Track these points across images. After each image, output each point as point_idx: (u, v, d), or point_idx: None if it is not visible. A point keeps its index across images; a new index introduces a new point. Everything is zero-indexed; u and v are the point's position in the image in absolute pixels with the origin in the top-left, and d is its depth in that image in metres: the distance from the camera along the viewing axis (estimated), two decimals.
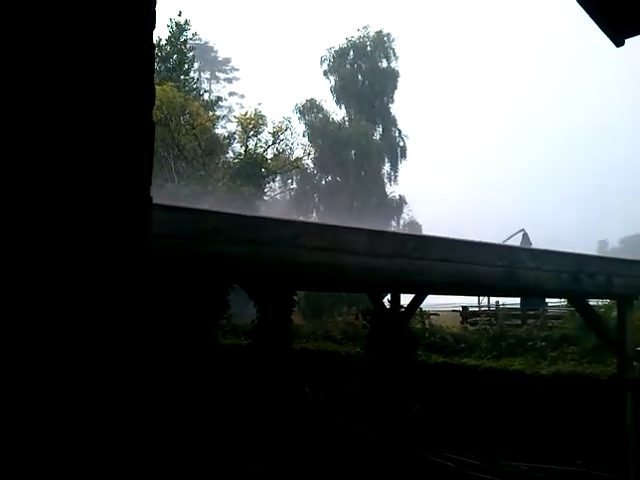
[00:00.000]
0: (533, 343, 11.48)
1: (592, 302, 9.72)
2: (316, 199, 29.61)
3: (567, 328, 11.87)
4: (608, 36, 3.00)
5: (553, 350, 10.97)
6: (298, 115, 30.23)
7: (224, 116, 31.27)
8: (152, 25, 0.95)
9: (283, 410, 10.25)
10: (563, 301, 14.59)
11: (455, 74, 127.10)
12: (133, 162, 0.92)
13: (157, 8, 0.94)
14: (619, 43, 3.06)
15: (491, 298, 19.90)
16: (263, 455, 9.28)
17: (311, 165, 29.15)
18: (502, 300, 19.32)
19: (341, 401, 11.61)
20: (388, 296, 11.11)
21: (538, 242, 19.32)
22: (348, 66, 32.50)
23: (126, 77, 0.91)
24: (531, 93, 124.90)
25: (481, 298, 20.34)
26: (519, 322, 14.97)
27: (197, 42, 29.72)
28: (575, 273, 7.10)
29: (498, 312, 17.19)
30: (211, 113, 23.42)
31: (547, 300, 17.56)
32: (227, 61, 48.13)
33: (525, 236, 20.28)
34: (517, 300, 18.73)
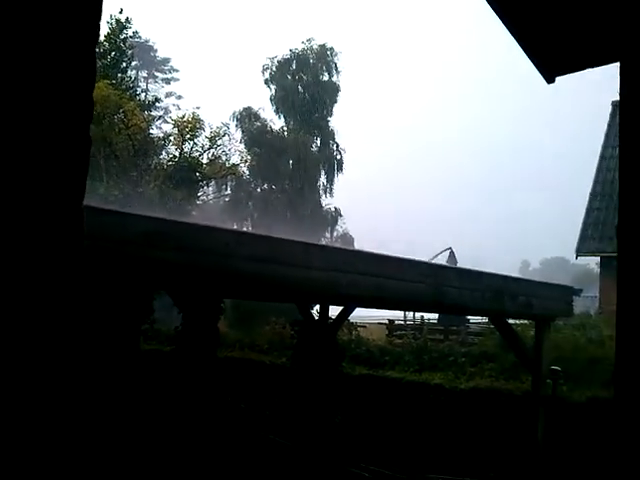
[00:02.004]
0: (454, 358, 11.83)
1: (510, 321, 10.12)
2: (250, 207, 29.46)
3: (487, 345, 12.31)
4: (540, 72, 3.17)
5: (472, 366, 11.35)
6: (235, 122, 30.06)
7: (160, 117, 30.60)
8: (95, 39, 0.93)
9: (204, 419, 10.05)
10: (484, 318, 15.17)
11: (392, 91, 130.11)
12: (68, 174, 0.91)
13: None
14: (550, 80, 3.24)
15: (416, 313, 20.39)
16: (183, 465, 9.07)
17: (247, 172, 28.99)
18: (427, 315, 19.84)
19: (264, 411, 11.53)
20: (317, 307, 11.17)
21: (464, 259, 20.02)
22: (289, 77, 32.64)
23: (65, 91, 0.89)
24: (465, 112, 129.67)
25: (407, 312, 20.79)
26: (442, 337, 15.43)
27: (137, 40, 29.00)
28: (498, 294, 7.39)
29: (422, 326, 17.65)
30: (147, 113, 22.84)
31: (469, 318, 18.21)
32: (166, 61, 47.16)
33: (452, 254, 20.93)
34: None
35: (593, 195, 18.20)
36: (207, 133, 21.94)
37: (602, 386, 9.13)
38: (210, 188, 26.45)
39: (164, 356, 11.84)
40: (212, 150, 22.25)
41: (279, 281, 5.02)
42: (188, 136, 21.00)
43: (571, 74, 3.18)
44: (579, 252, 17.37)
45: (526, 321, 11.70)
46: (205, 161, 22.16)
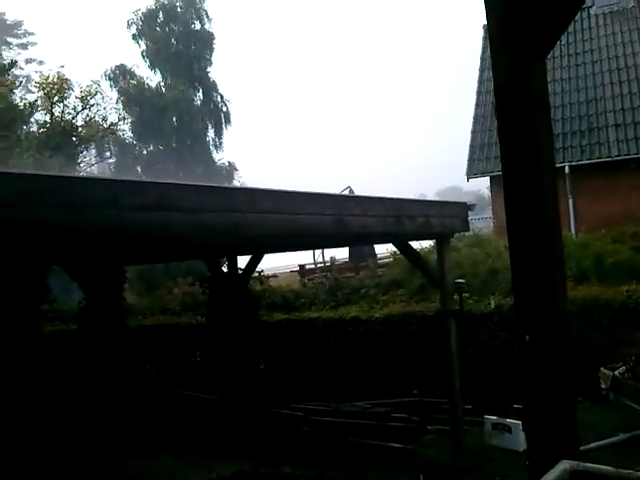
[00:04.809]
0: (366, 290, 12.11)
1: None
2: (139, 170, 28.06)
3: (394, 273, 12.69)
4: None
5: (384, 294, 11.68)
6: (109, 82, 28.16)
7: (21, 84, 27.94)
8: None
9: (124, 390, 9.69)
10: (390, 251, 15.59)
11: (271, 32, 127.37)
12: None
13: None
14: None
15: (326, 255, 20.66)
16: (111, 437, 8.76)
17: (130, 135, 27.47)
18: (338, 255, 20.19)
19: (186, 372, 11.30)
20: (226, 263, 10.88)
21: None
22: (159, 29, 30.90)
23: None
24: (355, 45, 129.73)
25: (317, 255, 21.02)
26: (353, 274, 15.76)
27: None
28: (398, 217, 7.48)
29: (332, 266, 17.93)
30: (7, 78, 20.68)
31: (376, 252, 18.70)
32: (18, 24, 43.12)
33: (351, 192, 21.17)
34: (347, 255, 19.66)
35: (475, 119, 18.91)
36: (77, 93, 20.34)
37: (505, 295, 9.69)
38: (92, 152, 24.80)
39: (71, 335, 11.20)
40: (86, 111, 20.71)
41: (175, 229, 4.73)
42: (56, 98, 19.28)
43: None
44: (469, 175, 18.09)
45: (427, 246, 12.12)
46: (80, 124, 20.60)
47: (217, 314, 10.16)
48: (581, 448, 5.89)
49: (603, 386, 7.48)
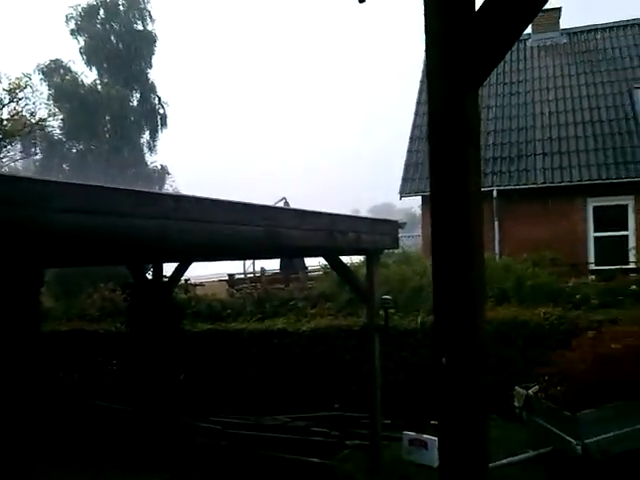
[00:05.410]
0: (294, 303, 12.09)
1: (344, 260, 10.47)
2: (66, 169, 26.96)
3: (324, 287, 12.75)
4: None
5: (312, 308, 11.70)
6: (41, 76, 27.01)
7: None
8: None
9: (31, 399, 9.18)
10: (320, 264, 15.67)
11: (214, 35, 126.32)
12: None
13: None
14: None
15: (256, 265, 20.47)
16: (10, 450, 8.24)
17: (59, 132, 26.38)
18: (267, 267, 20.05)
19: (102, 381, 10.85)
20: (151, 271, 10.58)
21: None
22: (99, 26, 30.03)
23: None
24: (295, 51, 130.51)
25: (247, 266, 20.80)
26: (283, 286, 15.69)
27: None
28: (330, 231, 7.53)
29: (262, 277, 17.80)
30: None
31: (307, 265, 18.74)
32: None
33: (286, 203, 21.16)
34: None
35: (412, 139, 19.40)
36: (5, 85, 19.37)
37: (428, 312, 9.91)
38: (17, 147, 23.57)
39: None
40: (13, 104, 19.73)
41: (104, 234, 4.55)
42: None
43: None
44: (402, 193, 18.48)
45: (357, 261, 12.26)
46: (5, 117, 19.57)
47: (138, 322, 9.85)
48: (492, 464, 6.10)
49: (516, 404, 7.76)
